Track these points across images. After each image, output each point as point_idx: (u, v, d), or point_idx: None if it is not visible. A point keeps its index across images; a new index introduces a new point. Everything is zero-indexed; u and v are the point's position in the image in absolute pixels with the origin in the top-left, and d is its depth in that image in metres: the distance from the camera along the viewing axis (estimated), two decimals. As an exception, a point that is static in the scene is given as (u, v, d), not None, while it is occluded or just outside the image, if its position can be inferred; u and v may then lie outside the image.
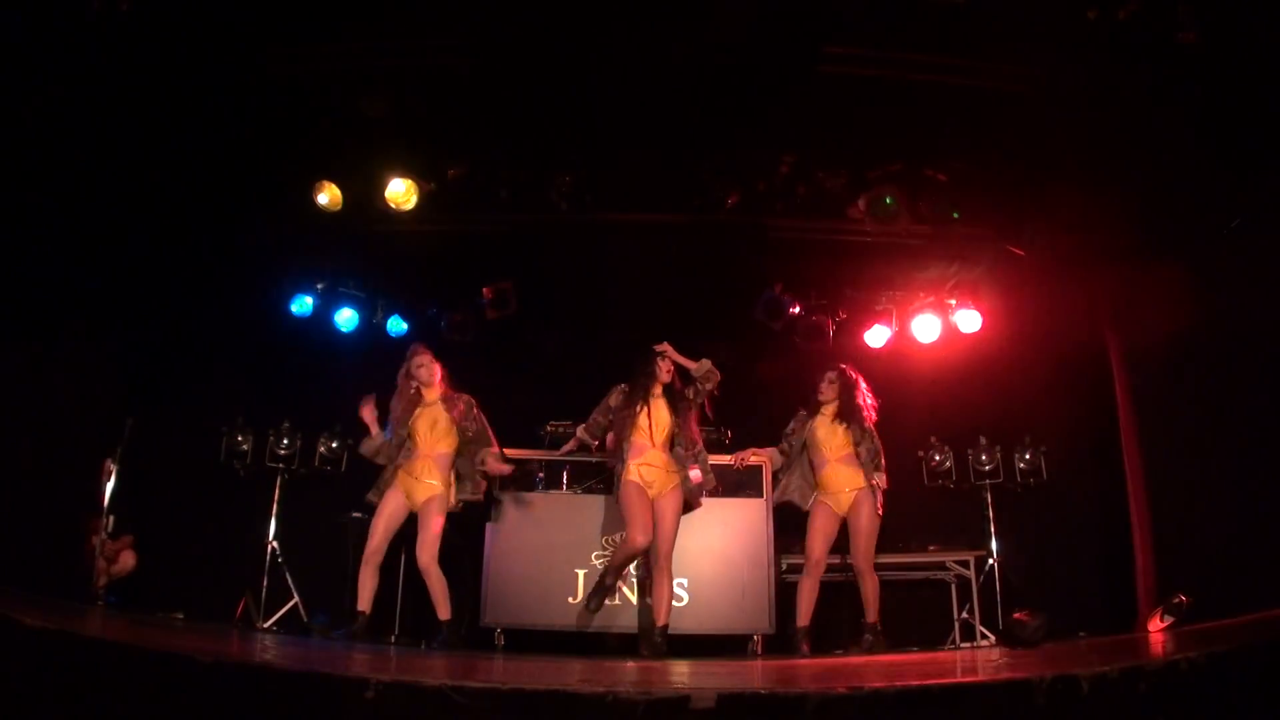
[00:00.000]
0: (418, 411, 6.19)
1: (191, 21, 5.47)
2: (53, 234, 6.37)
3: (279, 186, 7.10)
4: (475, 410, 6.27)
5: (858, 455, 6.25)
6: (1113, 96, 5.83)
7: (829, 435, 6.33)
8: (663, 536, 5.90)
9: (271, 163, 6.95)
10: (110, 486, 6.56)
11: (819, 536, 6.21)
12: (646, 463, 5.96)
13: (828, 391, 6.42)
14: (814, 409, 6.46)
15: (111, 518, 6.59)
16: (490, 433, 6.27)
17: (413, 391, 6.23)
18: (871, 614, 6.13)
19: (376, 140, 6.85)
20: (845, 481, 6.23)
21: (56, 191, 6.25)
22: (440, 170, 7.07)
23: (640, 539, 5.78)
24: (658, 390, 6.15)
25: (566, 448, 6.57)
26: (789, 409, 6.68)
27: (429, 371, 6.24)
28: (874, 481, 6.20)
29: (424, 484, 6.06)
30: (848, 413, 6.34)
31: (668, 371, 6.17)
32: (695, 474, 6.03)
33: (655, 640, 5.78)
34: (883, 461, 6.33)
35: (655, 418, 6.06)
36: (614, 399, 6.25)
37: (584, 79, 6.13)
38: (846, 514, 6.25)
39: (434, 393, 6.24)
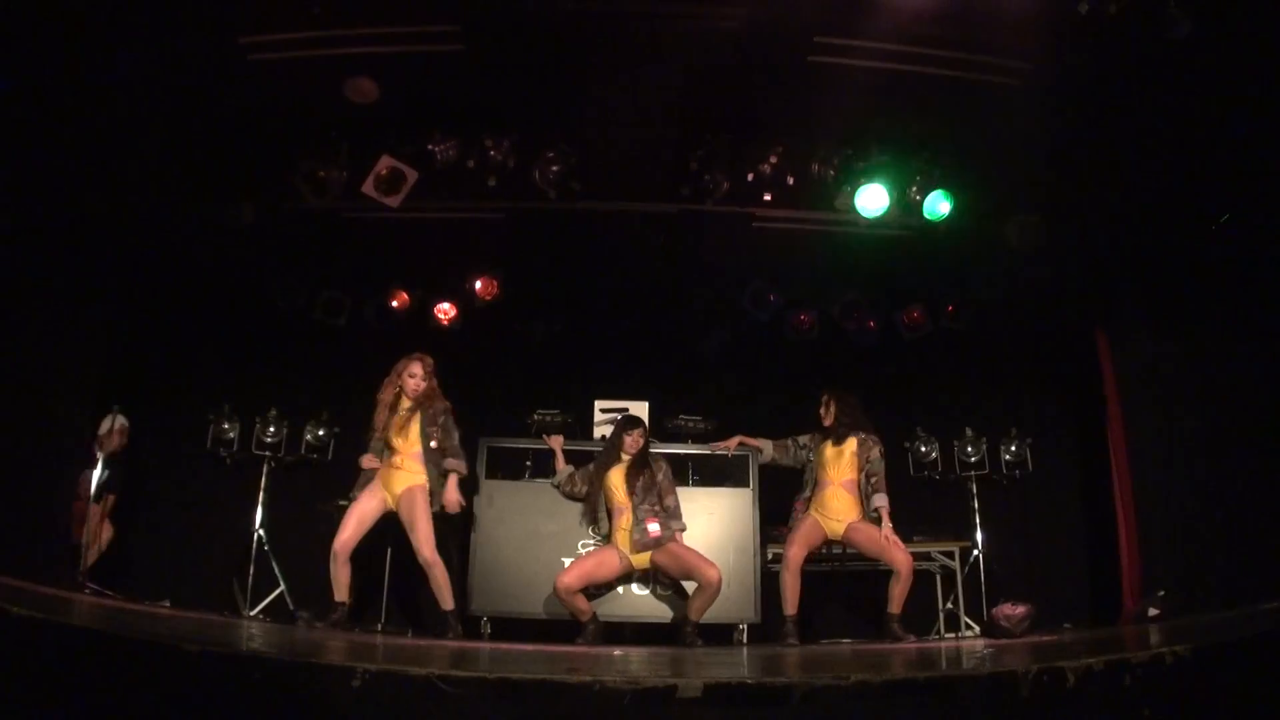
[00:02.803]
0: (395, 419, 6.05)
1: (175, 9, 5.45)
2: (36, 218, 6.32)
3: (265, 173, 7.06)
4: (445, 419, 6.09)
5: (858, 483, 6.30)
6: (1103, 91, 5.84)
7: (834, 458, 6.38)
8: (684, 567, 6.17)
9: (257, 150, 6.91)
10: (96, 474, 6.55)
11: (801, 543, 6.24)
12: (620, 527, 6.24)
13: (825, 416, 6.51)
14: (824, 430, 6.53)
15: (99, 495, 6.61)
16: (458, 449, 6.10)
17: (393, 399, 6.09)
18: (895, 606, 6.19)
19: (362, 127, 6.81)
20: (841, 511, 6.28)
21: (40, 179, 6.21)
22: (427, 157, 7.02)
23: (566, 581, 6.04)
24: (626, 460, 6.43)
25: (561, 472, 6.72)
26: (774, 400, 6.68)
27: (417, 384, 6.07)
28: (878, 505, 6.22)
29: (403, 472, 5.91)
30: (842, 435, 6.41)
31: (633, 445, 6.42)
32: (654, 528, 6.19)
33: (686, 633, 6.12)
34: (884, 484, 6.33)
35: (624, 481, 6.33)
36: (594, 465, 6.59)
37: (572, 66, 6.10)
38: (842, 539, 6.35)
39: (410, 401, 6.08)
